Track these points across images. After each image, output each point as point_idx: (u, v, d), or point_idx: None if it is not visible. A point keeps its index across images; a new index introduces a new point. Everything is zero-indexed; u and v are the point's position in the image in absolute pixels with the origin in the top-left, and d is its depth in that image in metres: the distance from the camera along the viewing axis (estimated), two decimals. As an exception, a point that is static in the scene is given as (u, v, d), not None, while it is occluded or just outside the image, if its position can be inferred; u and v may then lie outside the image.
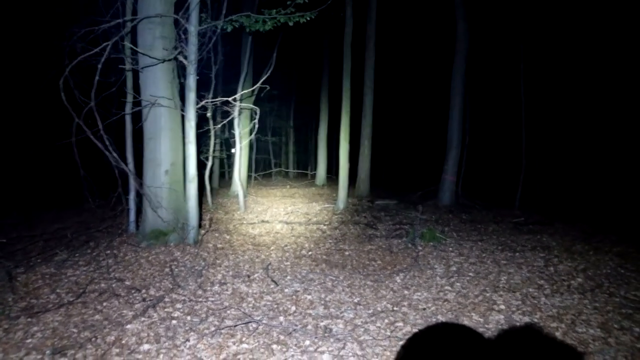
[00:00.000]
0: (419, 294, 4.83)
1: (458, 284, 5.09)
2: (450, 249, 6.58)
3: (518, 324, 3.95)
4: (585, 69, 12.73)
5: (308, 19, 7.58)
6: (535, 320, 4.01)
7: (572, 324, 3.89)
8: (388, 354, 3.43)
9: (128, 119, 6.97)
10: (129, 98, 6.85)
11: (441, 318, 4.12)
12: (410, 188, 14.99)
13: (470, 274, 5.42)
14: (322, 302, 4.60)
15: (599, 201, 10.86)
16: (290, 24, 7.64)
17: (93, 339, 3.59)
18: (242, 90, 10.08)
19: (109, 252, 6.06)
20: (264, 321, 4.05)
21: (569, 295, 4.62)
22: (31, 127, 13.25)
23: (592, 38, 12.31)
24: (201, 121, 8.73)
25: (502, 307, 4.35)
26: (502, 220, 8.91)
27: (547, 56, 13.24)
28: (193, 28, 6.08)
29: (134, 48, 6.36)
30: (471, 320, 4.05)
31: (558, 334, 3.71)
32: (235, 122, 10.08)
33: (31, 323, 3.88)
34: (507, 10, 12.61)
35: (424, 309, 4.39)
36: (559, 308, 4.27)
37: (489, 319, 4.06)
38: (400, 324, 4.01)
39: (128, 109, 6.89)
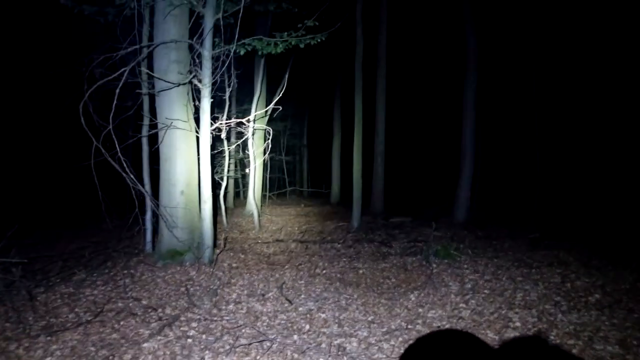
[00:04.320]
0: (433, 311, 4.80)
1: (473, 301, 5.05)
2: (465, 266, 6.53)
3: (534, 341, 3.91)
4: (601, 79, 12.66)
5: (319, 40, 7.73)
6: (552, 337, 3.96)
7: (589, 341, 3.83)
8: (402, 372, 3.43)
9: (145, 141, 7.13)
10: (146, 121, 7.03)
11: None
12: (425, 204, 14.93)
13: (486, 291, 5.37)
14: (336, 320, 4.61)
15: (616, 214, 10.68)
16: (302, 46, 7.79)
17: (110, 357, 3.65)
18: (256, 111, 10.24)
19: (126, 271, 6.15)
20: (278, 339, 4.07)
21: (587, 311, 4.55)
22: (51, 150, 13.61)
23: (608, 47, 12.27)
24: (216, 142, 8.90)
25: (518, 324, 4.30)
26: (518, 236, 8.81)
27: (560, 68, 13.21)
28: (207, 52, 6.25)
29: (150, 73, 6.55)
30: (486, 338, 4.02)
31: (575, 352, 3.66)
32: (249, 142, 10.22)
33: (51, 341, 3.96)
34: (517, 23, 12.70)
35: (439, 327, 4.37)
36: (576, 325, 4.21)
37: (504, 337, 4.02)
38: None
39: (144, 131, 7.06)
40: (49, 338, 4.04)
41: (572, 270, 5.98)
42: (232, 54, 6.82)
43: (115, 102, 5.62)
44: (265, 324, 4.53)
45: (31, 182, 12.99)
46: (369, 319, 4.66)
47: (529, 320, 4.40)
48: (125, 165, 5.78)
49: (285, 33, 7.66)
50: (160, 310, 4.84)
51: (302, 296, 5.42)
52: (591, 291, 5.16)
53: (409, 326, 4.40)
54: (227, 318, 4.65)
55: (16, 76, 11.62)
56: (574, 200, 13.05)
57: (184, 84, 6.50)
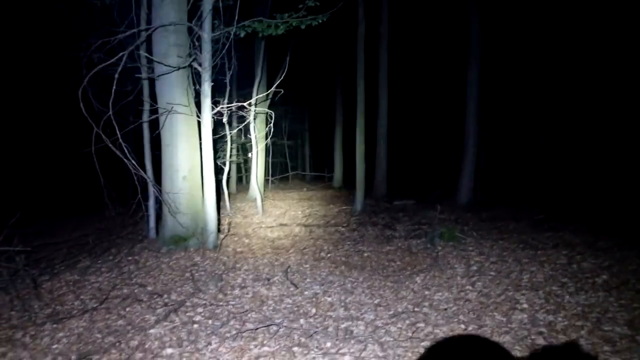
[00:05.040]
0: (439, 294, 4.78)
1: (479, 283, 5.02)
2: (471, 248, 6.50)
3: (542, 322, 3.89)
4: (610, 58, 12.46)
5: (320, 21, 7.59)
6: (560, 318, 3.93)
7: (597, 322, 3.80)
8: (410, 355, 3.41)
9: (146, 126, 7.06)
10: (146, 106, 6.94)
11: (463, 318, 4.07)
12: (428, 187, 14.86)
13: (492, 273, 5.35)
14: (342, 304, 4.60)
15: (620, 197, 10.60)
16: (303, 27, 7.65)
17: (117, 344, 3.64)
18: (257, 95, 10.13)
19: (130, 258, 6.14)
20: (284, 324, 4.06)
21: (594, 292, 4.52)
22: (51, 137, 13.56)
23: (614, 30, 12.06)
24: (217, 126, 8.81)
25: (525, 306, 4.28)
26: (523, 218, 8.76)
27: (564, 51, 13.00)
28: (206, 35, 6.14)
29: (149, 57, 6.45)
30: (494, 320, 4.00)
31: (583, 333, 3.63)
32: (251, 126, 10.13)
33: (57, 329, 3.96)
34: (521, 9, 12.48)
35: (445, 309, 4.35)
36: (584, 306, 4.18)
37: (512, 319, 3.99)
38: (422, 324, 3.97)
39: (145, 116, 6.98)
40: (55, 325, 4.03)
41: (578, 252, 5.93)
42: (232, 36, 6.71)
43: (114, 87, 5.54)
44: (271, 308, 4.51)
45: (32, 170, 12.96)
46: (375, 302, 4.64)
47: (536, 301, 4.37)
48: (126, 151, 5.73)
49: (286, 14, 7.50)
50: (165, 296, 4.83)
51: (308, 280, 5.40)
52: (598, 272, 5.12)
53: (416, 309, 4.38)
54: (233, 303, 4.64)
55: (15, 63, 11.51)
56: (578, 182, 12.96)
57: (184, 67, 6.40)
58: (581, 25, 12.37)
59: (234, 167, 14.66)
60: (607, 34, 12.04)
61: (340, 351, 3.49)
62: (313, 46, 16.28)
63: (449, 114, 17.29)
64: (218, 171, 8.75)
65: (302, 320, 4.16)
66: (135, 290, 4.99)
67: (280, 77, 8.96)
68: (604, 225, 7.71)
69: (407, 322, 4.05)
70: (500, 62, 13.91)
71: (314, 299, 4.74)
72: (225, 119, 7.91)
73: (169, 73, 6.30)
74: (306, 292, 4.96)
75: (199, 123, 6.60)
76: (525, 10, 12.37)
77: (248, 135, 11.84)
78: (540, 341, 3.53)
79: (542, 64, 12.10)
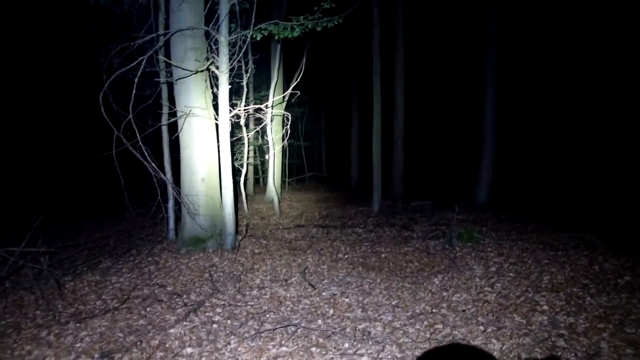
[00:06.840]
0: (458, 295, 4.75)
1: (498, 284, 4.97)
2: (489, 248, 6.44)
3: (562, 324, 3.83)
4: (626, 65, 12.20)
5: (336, 23, 7.59)
6: (581, 320, 3.87)
7: (620, 325, 3.74)
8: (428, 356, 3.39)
9: (165, 129, 7.16)
10: (165, 109, 7.04)
11: (482, 320, 4.04)
12: (446, 188, 14.77)
13: (511, 274, 5.29)
14: (360, 304, 4.60)
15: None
16: (318, 29, 7.66)
17: (138, 343, 3.71)
18: (274, 97, 10.19)
19: (150, 259, 6.24)
20: (302, 324, 4.08)
21: (616, 294, 4.44)
22: (73, 140, 13.83)
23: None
24: (235, 129, 8.89)
25: (546, 307, 4.22)
26: (542, 219, 8.65)
27: (584, 51, 12.77)
28: (223, 38, 6.20)
29: (168, 61, 6.54)
30: (513, 321, 3.95)
31: (606, 335, 3.57)
32: (268, 128, 10.20)
33: (80, 328, 4.05)
34: (538, 6, 12.32)
35: (464, 310, 4.31)
36: (606, 308, 4.11)
37: (531, 320, 3.95)
38: (440, 326, 3.95)
39: (164, 120, 7.08)
40: (78, 325, 4.12)
41: (599, 252, 5.83)
42: (248, 39, 6.76)
43: (134, 91, 5.64)
44: (289, 309, 4.54)
45: (54, 173, 13.22)
46: (393, 303, 4.63)
47: (557, 303, 4.31)
48: (146, 154, 5.82)
49: (302, 16, 7.52)
50: (185, 296, 4.89)
51: (325, 281, 5.42)
52: (620, 273, 5.03)
53: (434, 310, 4.36)
54: (251, 303, 4.68)
55: (38, 69, 11.78)
56: (598, 183, 12.71)
57: (202, 71, 6.47)
58: (600, 25, 12.15)
59: (251, 168, 14.77)
60: (628, 36, 11.79)
61: (358, 352, 3.50)
62: (329, 47, 16.31)
63: (466, 114, 17.15)
64: (236, 173, 8.84)
65: (319, 321, 4.17)
66: (156, 291, 5.07)
67: (297, 79, 8.99)
68: (625, 226, 7.55)
69: (425, 323, 4.04)
70: (518, 62, 13.74)
71: (331, 300, 4.75)
72: (242, 121, 7.98)
73: (186, 77, 6.38)
74: (324, 293, 4.97)
75: (216, 125, 6.67)
76: (543, 8, 12.21)
77: (265, 137, 11.91)
78: (561, 343, 3.49)
79: (561, 65, 11.92)
